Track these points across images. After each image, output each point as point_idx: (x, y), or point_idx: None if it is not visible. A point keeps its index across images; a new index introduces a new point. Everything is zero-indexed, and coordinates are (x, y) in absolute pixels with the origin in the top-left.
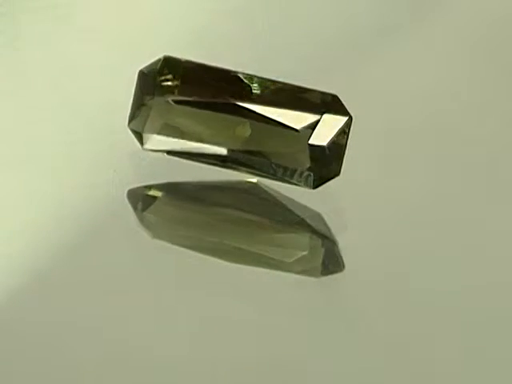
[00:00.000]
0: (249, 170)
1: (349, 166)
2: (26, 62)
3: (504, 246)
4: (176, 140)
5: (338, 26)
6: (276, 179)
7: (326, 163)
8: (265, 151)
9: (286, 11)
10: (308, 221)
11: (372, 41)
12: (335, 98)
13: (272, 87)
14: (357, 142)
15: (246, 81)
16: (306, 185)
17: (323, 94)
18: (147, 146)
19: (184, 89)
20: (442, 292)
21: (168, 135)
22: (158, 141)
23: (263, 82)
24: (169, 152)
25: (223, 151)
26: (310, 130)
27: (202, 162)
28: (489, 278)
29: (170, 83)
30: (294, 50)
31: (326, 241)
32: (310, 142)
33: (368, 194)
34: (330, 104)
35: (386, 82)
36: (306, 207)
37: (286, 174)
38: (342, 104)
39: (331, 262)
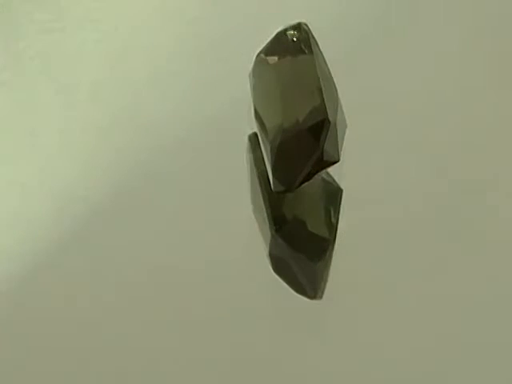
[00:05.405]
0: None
1: (356, 181)
2: (26, 53)
3: (506, 259)
4: (256, 104)
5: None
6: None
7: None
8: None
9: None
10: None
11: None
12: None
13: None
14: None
15: None
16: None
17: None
18: (251, 95)
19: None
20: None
21: (255, 94)
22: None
23: None
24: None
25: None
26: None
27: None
28: (487, 309)
29: (285, 50)
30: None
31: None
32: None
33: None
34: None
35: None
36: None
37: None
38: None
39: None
